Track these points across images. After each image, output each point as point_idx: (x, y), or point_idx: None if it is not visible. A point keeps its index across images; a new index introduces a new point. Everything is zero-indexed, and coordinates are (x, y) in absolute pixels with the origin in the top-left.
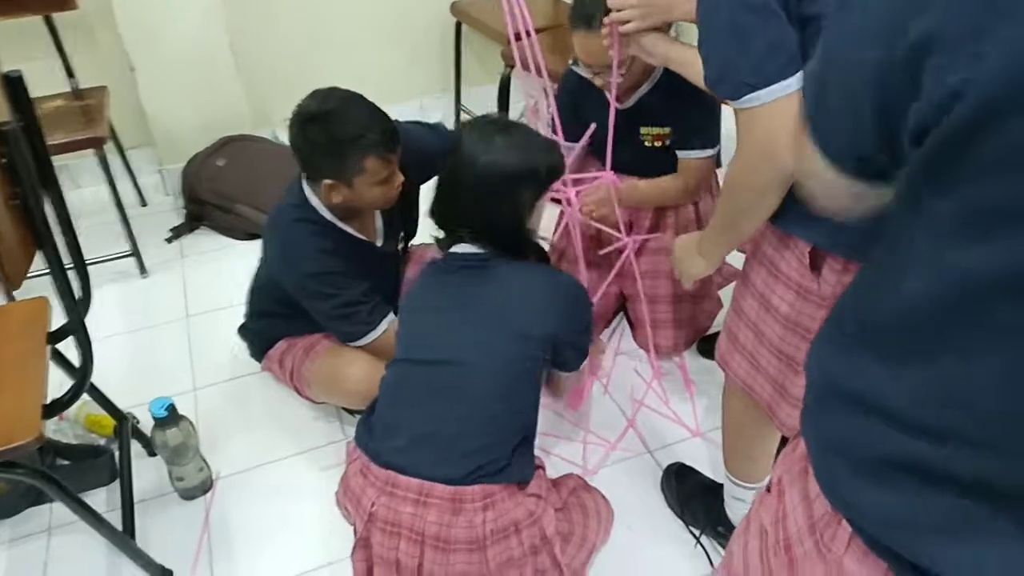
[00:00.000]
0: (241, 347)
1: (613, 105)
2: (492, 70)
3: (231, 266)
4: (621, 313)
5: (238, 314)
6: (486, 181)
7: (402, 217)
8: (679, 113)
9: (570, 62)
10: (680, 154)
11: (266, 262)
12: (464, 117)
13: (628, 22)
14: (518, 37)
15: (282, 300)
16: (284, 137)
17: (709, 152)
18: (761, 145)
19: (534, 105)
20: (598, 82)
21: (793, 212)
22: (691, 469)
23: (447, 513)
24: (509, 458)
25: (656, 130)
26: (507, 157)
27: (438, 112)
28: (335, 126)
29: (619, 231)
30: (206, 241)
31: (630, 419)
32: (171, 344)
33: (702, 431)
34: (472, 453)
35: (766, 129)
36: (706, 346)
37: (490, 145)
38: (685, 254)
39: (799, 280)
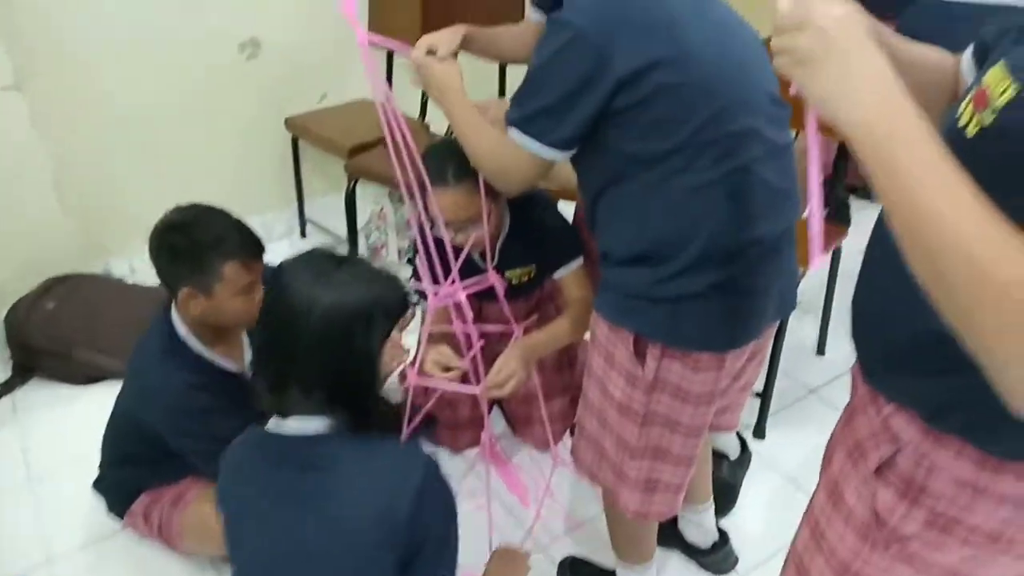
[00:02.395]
0: (98, 504)
1: (487, 225)
2: (335, 178)
3: (75, 416)
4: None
5: (91, 468)
6: (332, 325)
7: None
8: (539, 247)
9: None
10: (557, 275)
11: (128, 399)
12: (310, 230)
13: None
14: (397, 152)
15: (145, 442)
16: (118, 270)
17: (580, 260)
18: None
19: (380, 211)
20: (459, 239)
21: (617, 303)
22: (584, 562)
23: None
24: None
25: (520, 270)
26: (352, 293)
27: (282, 226)
28: (196, 231)
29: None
30: (42, 393)
31: (530, 526)
32: (14, 513)
33: (585, 520)
34: None
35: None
36: None
37: (329, 282)
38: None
39: (628, 367)
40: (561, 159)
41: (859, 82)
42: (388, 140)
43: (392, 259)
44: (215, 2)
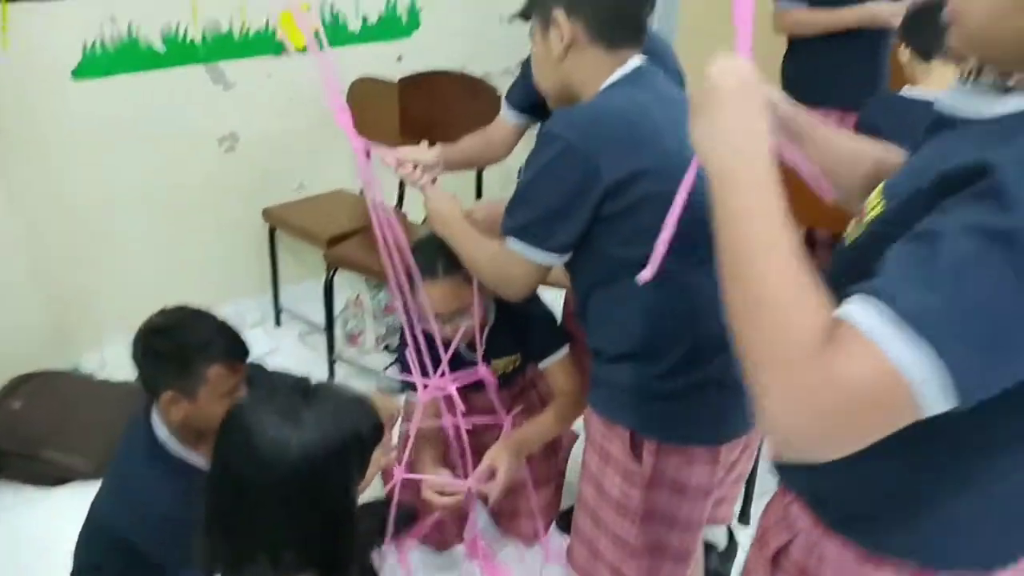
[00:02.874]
0: None
1: (478, 333)
2: (310, 266)
3: (44, 519)
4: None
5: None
6: (307, 472)
7: None
8: (523, 338)
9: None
10: (542, 366)
11: (109, 507)
12: (284, 318)
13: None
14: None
15: (121, 549)
16: (88, 364)
17: (565, 349)
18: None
19: (357, 298)
20: (448, 331)
21: (610, 398)
22: None
23: None
24: None
25: (505, 359)
26: (324, 431)
27: (256, 314)
28: (181, 335)
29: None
30: (7, 495)
31: None
32: None
33: None
34: None
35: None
36: (565, 522)
37: (299, 424)
38: None
39: (625, 463)
40: (559, 263)
41: (728, 137)
42: (381, 246)
43: (369, 346)
44: (194, 97)
